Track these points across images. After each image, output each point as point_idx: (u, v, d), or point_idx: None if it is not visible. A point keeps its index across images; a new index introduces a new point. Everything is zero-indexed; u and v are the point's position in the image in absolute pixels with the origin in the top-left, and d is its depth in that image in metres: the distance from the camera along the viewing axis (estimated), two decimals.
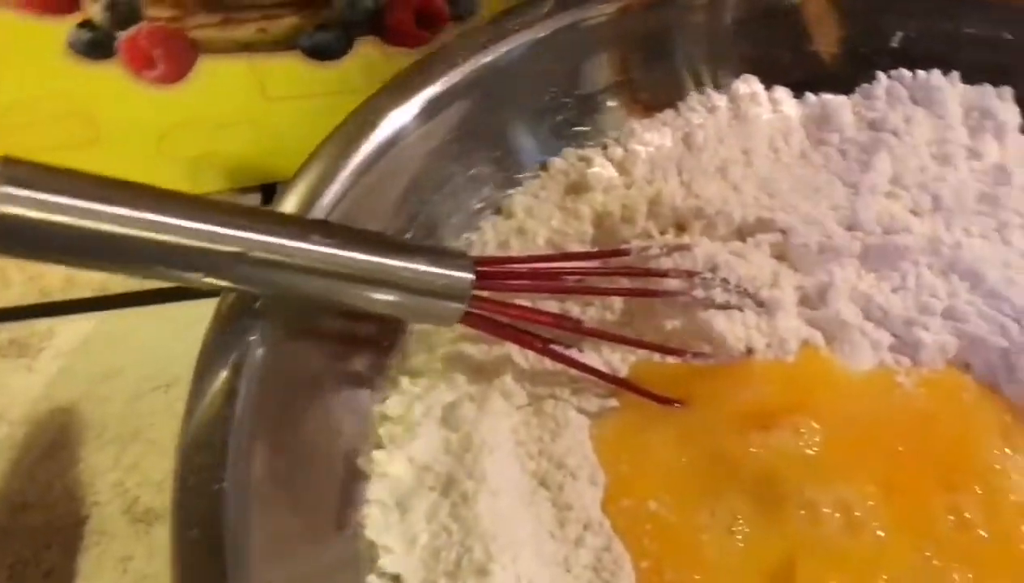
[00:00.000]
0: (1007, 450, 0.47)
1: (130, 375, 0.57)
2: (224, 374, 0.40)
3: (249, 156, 0.62)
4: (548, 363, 0.49)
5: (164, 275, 0.38)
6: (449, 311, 0.44)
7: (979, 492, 0.46)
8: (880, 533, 0.45)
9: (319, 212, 0.45)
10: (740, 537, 0.45)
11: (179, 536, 0.36)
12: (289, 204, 0.45)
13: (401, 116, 0.49)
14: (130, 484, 0.53)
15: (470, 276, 0.44)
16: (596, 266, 0.50)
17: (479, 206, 0.53)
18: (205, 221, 0.37)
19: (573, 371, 0.49)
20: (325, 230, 0.41)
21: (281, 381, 0.42)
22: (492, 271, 0.45)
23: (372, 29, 0.58)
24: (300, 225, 0.41)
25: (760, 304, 0.51)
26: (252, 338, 0.41)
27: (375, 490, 0.44)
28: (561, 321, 0.49)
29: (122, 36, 0.56)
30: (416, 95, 0.50)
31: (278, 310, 0.43)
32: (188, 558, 0.36)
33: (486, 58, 0.51)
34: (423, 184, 0.50)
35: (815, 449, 0.47)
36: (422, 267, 0.42)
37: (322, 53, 0.58)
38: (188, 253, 0.37)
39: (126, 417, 0.56)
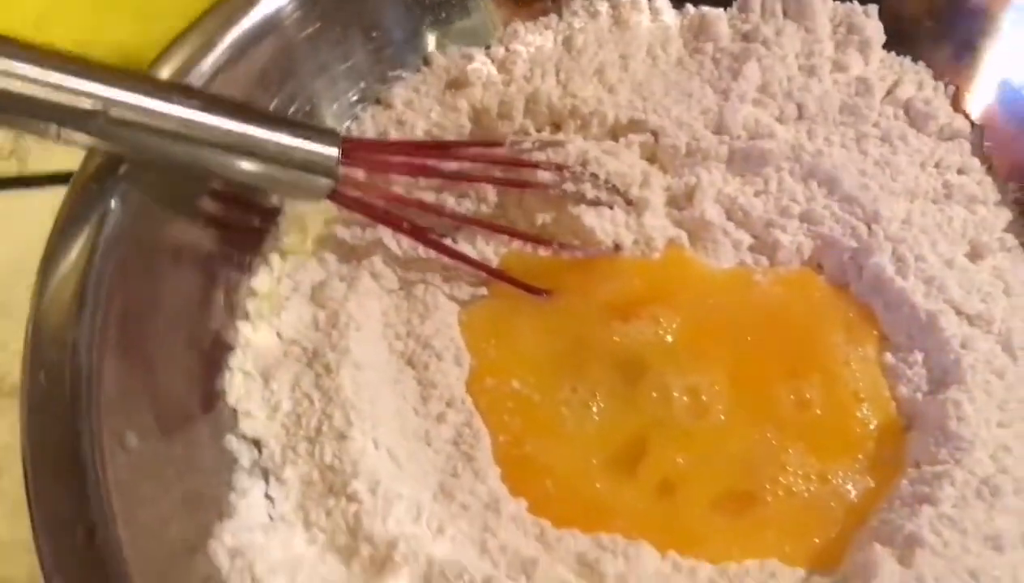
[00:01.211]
0: (850, 343, 0.50)
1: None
2: (84, 231, 0.41)
3: (135, 47, 0.61)
4: (421, 250, 0.51)
5: (17, 124, 0.37)
6: (316, 186, 0.45)
7: (820, 379, 0.49)
8: (722, 416, 0.47)
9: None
10: (596, 411, 0.48)
11: (29, 380, 0.37)
12: (162, 73, 0.45)
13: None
14: None
15: (336, 152, 0.44)
16: (469, 154, 0.51)
17: (359, 96, 0.54)
18: (61, 71, 0.37)
19: (446, 259, 0.51)
20: (188, 93, 0.41)
21: (143, 245, 0.42)
22: (360, 150, 0.46)
23: None
24: (163, 86, 0.41)
25: (629, 202, 0.52)
26: (114, 199, 0.42)
27: (238, 359, 0.45)
28: (435, 207, 0.50)
29: None
30: None
31: (145, 176, 0.43)
32: (36, 401, 0.36)
33: None
34: (301, 69, 0.51)
35: (671, 338, 0.50)
36: (288, 139, 0.43)
37: None
38: (41, 104, 0.37)
39: None
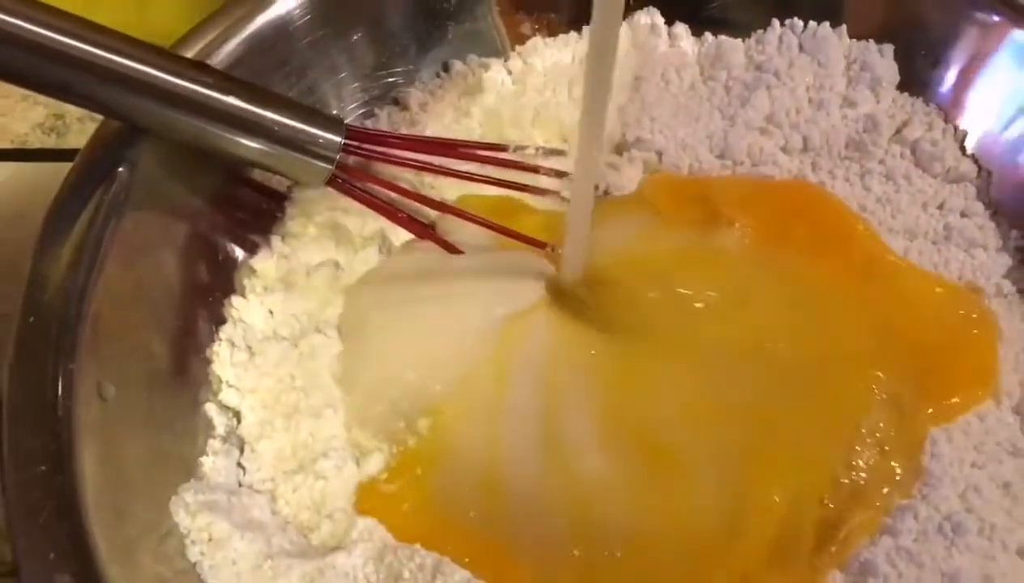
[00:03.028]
0: None
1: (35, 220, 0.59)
2: (92, 190, 0.43)
3: (178, 33, 0.63)
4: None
5: (30, 82, 0.40)
6: (315, 170, 0.46)
7: None
8: None
9: None
10: None
11: (20, 321, 0.39)
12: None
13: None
14: None
15: (338, 139, 0.46)
16: (473, 154, 0.52)
17: (378, 94, 0.55)
18: (75, 38, 0.39)
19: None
20: (200, 69, 0.43)
21: (148, 211, 0.44)
22: (365, 140, 0.48)
23: None
24: (175, 60, 0.43)
25: None
26: (123, 165, 0.44)
27: (228, 331, 0.47)
28: (438, 204, 0.51)
29: None
30: None
31: (158, 149, 0.45)
32: (23, 341, 0.38)
33: None
34: (313, 68, 0.52)
35: None
36: (293, 122, 0.45)
37: None
38: (54, 63, 0.39)
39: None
